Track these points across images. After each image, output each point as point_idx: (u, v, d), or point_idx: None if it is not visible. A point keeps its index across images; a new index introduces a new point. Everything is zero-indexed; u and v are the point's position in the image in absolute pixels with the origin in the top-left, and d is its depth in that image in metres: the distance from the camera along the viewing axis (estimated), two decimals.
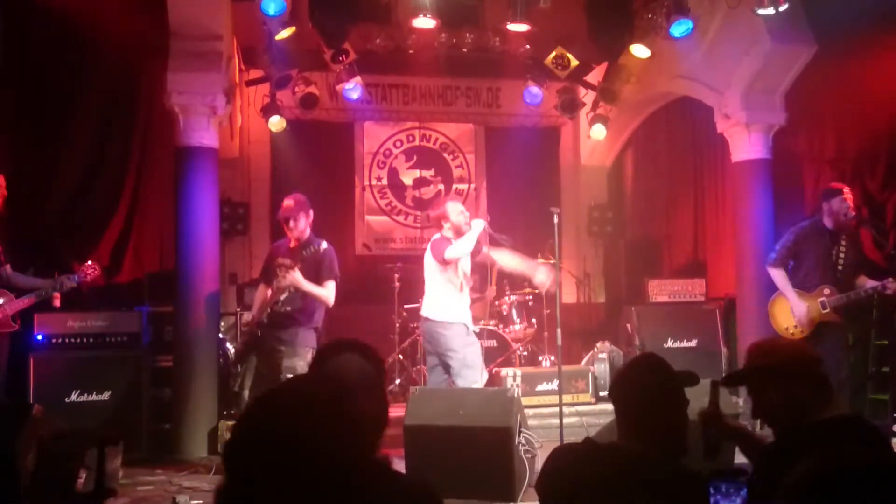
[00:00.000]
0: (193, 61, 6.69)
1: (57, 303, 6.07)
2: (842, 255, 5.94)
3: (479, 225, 5.88)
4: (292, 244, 5.92)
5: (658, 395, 2.21)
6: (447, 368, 5.85)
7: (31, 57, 6.81)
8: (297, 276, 5.61)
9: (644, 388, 2.24)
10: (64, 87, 7.20)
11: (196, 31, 6.68)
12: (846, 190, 6.03)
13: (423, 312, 6.02)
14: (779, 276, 6.01)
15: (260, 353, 5.90)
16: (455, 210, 6.04)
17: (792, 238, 6.01)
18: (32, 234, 6.93)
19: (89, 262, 6.12)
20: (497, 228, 6.14)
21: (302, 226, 5.88)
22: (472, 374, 5.82)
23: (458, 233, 5.94)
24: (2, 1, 5.38)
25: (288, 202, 5.96)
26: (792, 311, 5.92)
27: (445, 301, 5.96)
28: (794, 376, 2.43)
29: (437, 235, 6.08)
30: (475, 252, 6.06)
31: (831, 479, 1.24)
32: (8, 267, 5.73)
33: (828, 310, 5.85)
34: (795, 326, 5.92)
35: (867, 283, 5.92)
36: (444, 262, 5.88)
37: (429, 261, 6.05)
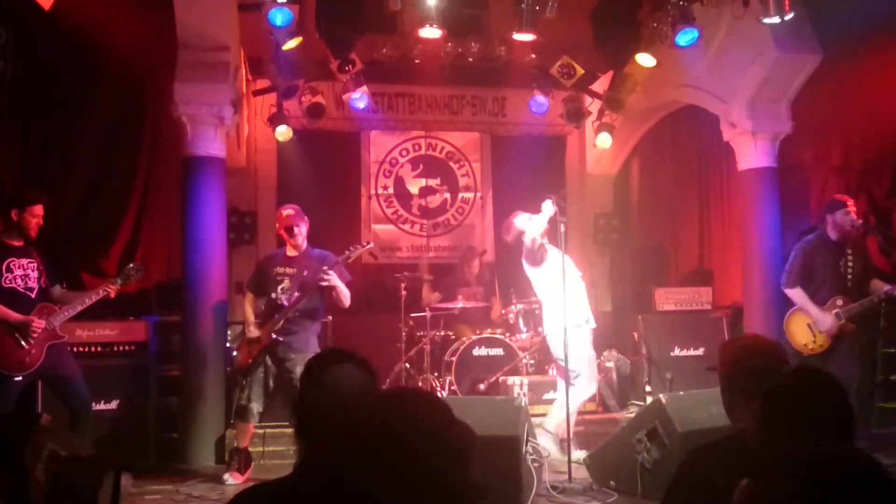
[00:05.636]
0: (201, 72, 6.74)
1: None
2: (850, 266, 5.92)
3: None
4: (291, 253, 5.94)
5: None
6: None
7: (40, 67, 6.85)
8: (334, 278, 5.72)
9: None
10: (72, 97, 7.25)
11: (204, 42, 6.72)
12: (850, 202, 6.01)
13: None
14: (797, 294, 5.96)
15: (268, 363, 5.90)
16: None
17: (801, 255, 5.98)
18: (40, 244, 6.95)
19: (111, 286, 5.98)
20: (502, 237, 6.10)
21: (304, 233, 5.94)
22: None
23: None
24: (11, 12, 5.42)
25: (289, 211, 6.01)
26: (817, 325, 5.87)
27: None
28: None
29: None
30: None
31: None
32: (53, 287, 5.75)
33: (843, 321, 5.82)
34: (814, 341, 5.88)
35: (882, 287, 5.88)
36: None
37: None
